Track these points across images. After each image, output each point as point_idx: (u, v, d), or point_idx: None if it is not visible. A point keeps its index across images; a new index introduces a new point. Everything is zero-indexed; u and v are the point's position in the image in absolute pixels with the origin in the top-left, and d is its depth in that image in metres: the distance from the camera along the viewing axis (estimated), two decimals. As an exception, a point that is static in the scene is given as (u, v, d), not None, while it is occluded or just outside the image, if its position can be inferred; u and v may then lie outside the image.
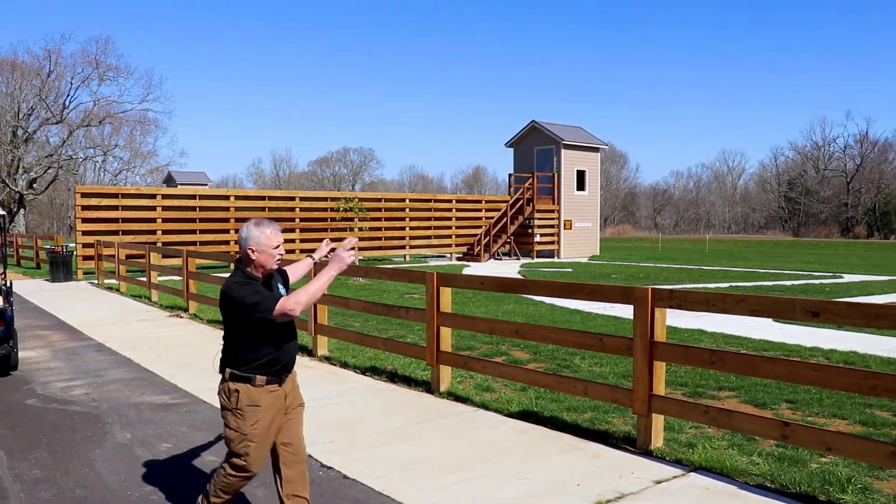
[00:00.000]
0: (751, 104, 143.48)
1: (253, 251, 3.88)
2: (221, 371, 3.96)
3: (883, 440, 5.69)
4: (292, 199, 29.76)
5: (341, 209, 27.52)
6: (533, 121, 37.32)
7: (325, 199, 30.83)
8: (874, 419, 6.74)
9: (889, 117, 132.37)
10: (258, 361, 3.85)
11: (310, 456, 5.66)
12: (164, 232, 25.89)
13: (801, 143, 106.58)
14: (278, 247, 3.95)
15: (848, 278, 24.31)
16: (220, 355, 4.02)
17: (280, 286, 4.04)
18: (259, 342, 3.83)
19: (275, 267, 3.96)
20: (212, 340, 11.11)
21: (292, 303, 3.72)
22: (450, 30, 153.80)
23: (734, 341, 10.97)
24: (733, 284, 21.40)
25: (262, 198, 29.32)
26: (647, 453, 5.74)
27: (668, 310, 5.79)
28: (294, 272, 4.55)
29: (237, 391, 3.84)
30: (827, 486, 4.96)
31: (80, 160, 66.96)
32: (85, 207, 24.25)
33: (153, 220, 25.72)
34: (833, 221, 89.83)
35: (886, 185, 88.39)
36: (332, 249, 4.32)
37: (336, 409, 7.11)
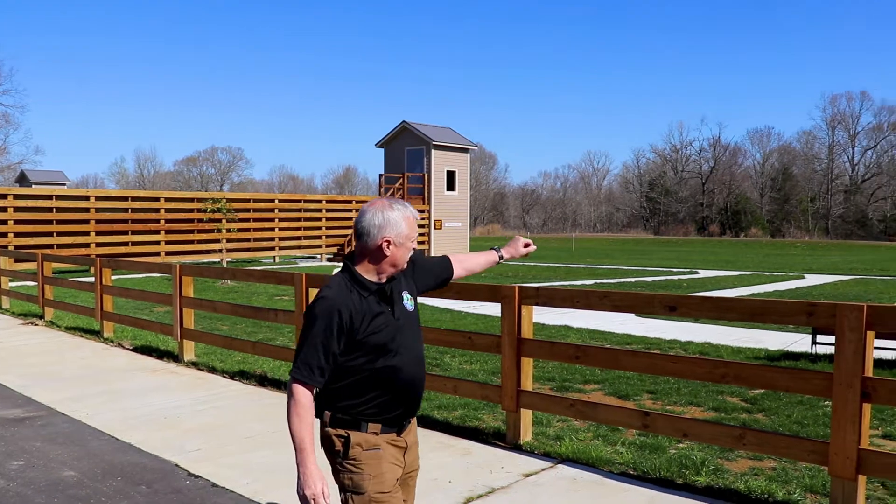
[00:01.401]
0: (615, 107, 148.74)
1: (390, 244, 2.80)
2: (319, 414, 2.83)
3: (732, 424, 6.05)
4: (157, 199, 28.73)
5: (209, 210, 26.81)
6: (403, 121, 37.47)
7: (192, 199, 29.91)
8: (725, 405, 7.16)
9: (738, 123, 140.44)
10: (367, 405, 2.79)
11: (176, 465, 5.50)
12: (17, 234, 24.49)
13: (660, 145, 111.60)
14: (415, 239, 2.94)
15: (703, 274, 25.61)
16: None
17: (406, 294, 2.96)
18: (363, 377, 2.78)
19: (404, 267, 2.92)
20: (71, 348, 10.60)
21: (299, 393, 2.69)
22: (319, 27, 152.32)
23: (599, 336, 11.35)
24: (598, 281, 22.13)
25: (125, 198, 28.17)
26: (516, 448, 5.86)
27: (534, 307, 5.94)
28: (466, 262, 3.47)
29: (345, 436, 2.77)
30: (684, 470, 5.22)
31: (-81, 158, 62.57)
32: (-74, 210, 22.66)
33: (4, 223, 24.26)
34: (690, 220, 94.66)
35: (737, 186, 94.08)
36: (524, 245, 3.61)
37: (204, 416, 6.92)
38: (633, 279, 23.01)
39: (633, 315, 13.07)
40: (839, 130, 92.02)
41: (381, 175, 37.60)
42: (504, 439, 6.04)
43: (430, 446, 5.91)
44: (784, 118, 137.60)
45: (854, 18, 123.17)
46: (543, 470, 5.34)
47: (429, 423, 6.58)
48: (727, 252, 46.55)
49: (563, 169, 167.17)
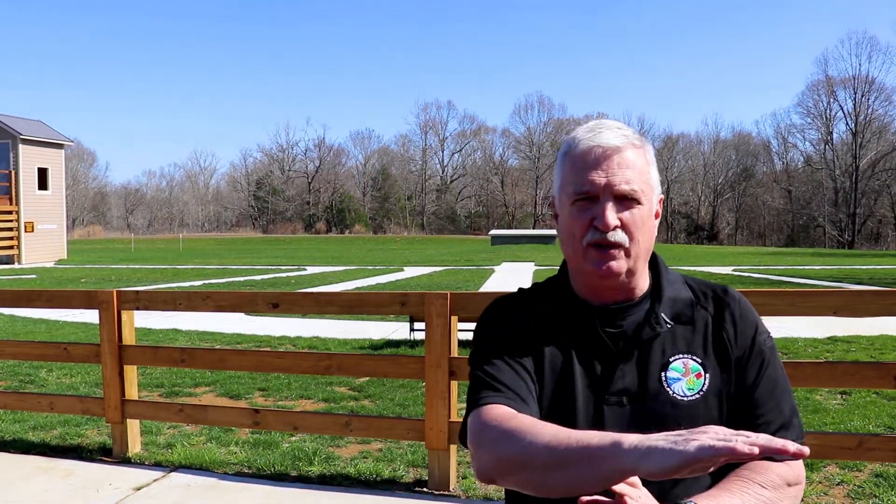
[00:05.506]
0: (221, 106, 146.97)
1: (554, 208, 1.52)
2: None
3: (339, 413, 6.38)
4: None
5: None
6: (-16, 112, 33.58)
7: None
8: (334, 395, 7.49)
9: (341, 125, 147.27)
10: None
11: None
12: None
13: (268, 145, 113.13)
14: (605, 197, 1.36)
15: (311, 270, 26.44)
16: None
17: (686, 361, 1.42)
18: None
19: (600, 280, 1.41)
20: None
21: (486, 415, 1.34)
22: None
23: (209, 337, 11.20)
24: (207, 282, 21.78)
25: None
26: (125, 461, 5.59)
27: (136, 311, 5.71)
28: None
29: None
30: (297, 462, 5.39)
31: None
32: None
33: None
34: (298, 219, 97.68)
35: (341, 185, 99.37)
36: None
37: None
38: (242, 278, 23.02)
39: (243, 314, 13.09)
40: (431, 135, 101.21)
41: (-45, 173, 33.28)
42: (111, 454, 5.73)
43: (26, 472, 5.42)
44: (383, 122, 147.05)
45: (445, 35, 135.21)
46: (156, 480, 5.16)
47: (23, 446, 6.02)
48: (333, 248, 48.48)
49: (170, 168, 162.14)
